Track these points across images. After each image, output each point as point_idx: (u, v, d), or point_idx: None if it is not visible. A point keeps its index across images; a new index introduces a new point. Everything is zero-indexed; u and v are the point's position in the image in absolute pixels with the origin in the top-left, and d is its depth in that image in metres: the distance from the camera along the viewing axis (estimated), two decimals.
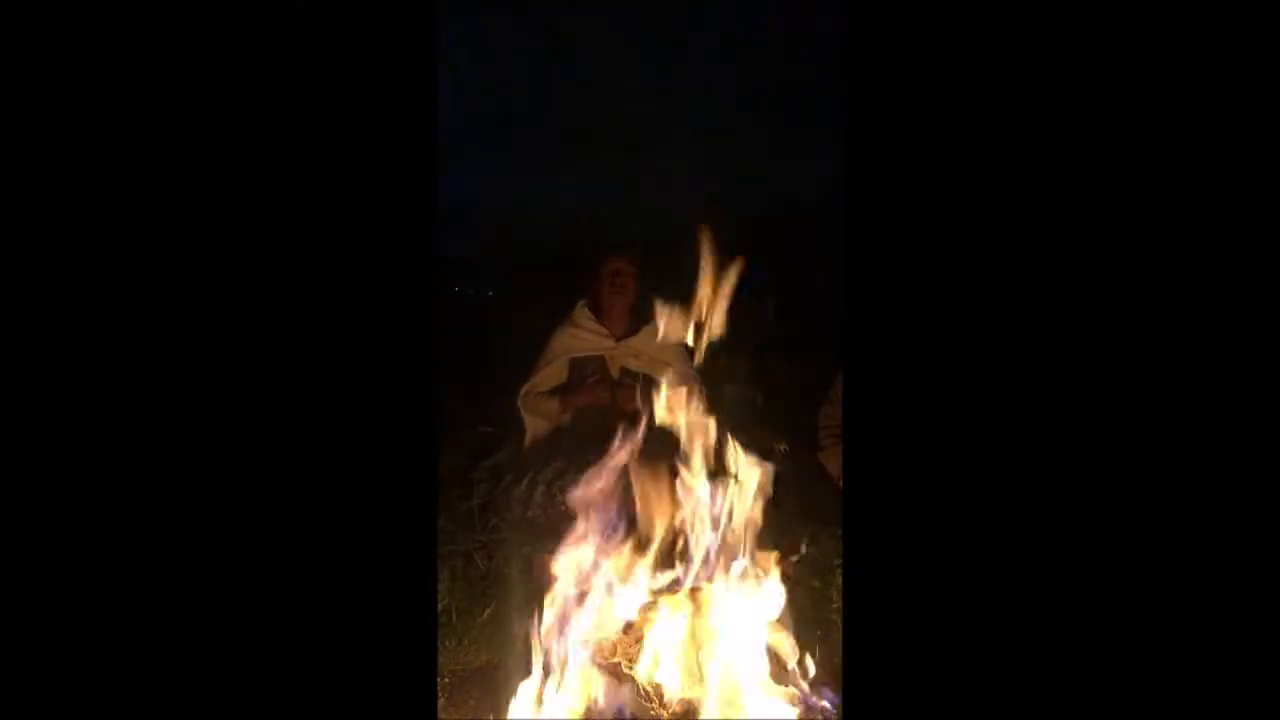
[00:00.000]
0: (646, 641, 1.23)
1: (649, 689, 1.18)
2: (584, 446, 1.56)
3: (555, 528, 1.39)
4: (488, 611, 1.77)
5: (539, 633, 1.25)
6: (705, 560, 1.25)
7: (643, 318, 2.08)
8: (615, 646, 1.23)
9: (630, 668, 1.20)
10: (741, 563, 1.25)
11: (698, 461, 1.26)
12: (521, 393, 2.05)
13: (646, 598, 1.24)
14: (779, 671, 1.25)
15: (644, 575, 1.26)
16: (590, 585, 1.26)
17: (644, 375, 2.00)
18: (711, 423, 1.29)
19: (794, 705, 1.20)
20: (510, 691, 1.28)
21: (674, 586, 1.24)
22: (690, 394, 1.30)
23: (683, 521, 1.26)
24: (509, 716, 1.26)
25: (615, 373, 2.09)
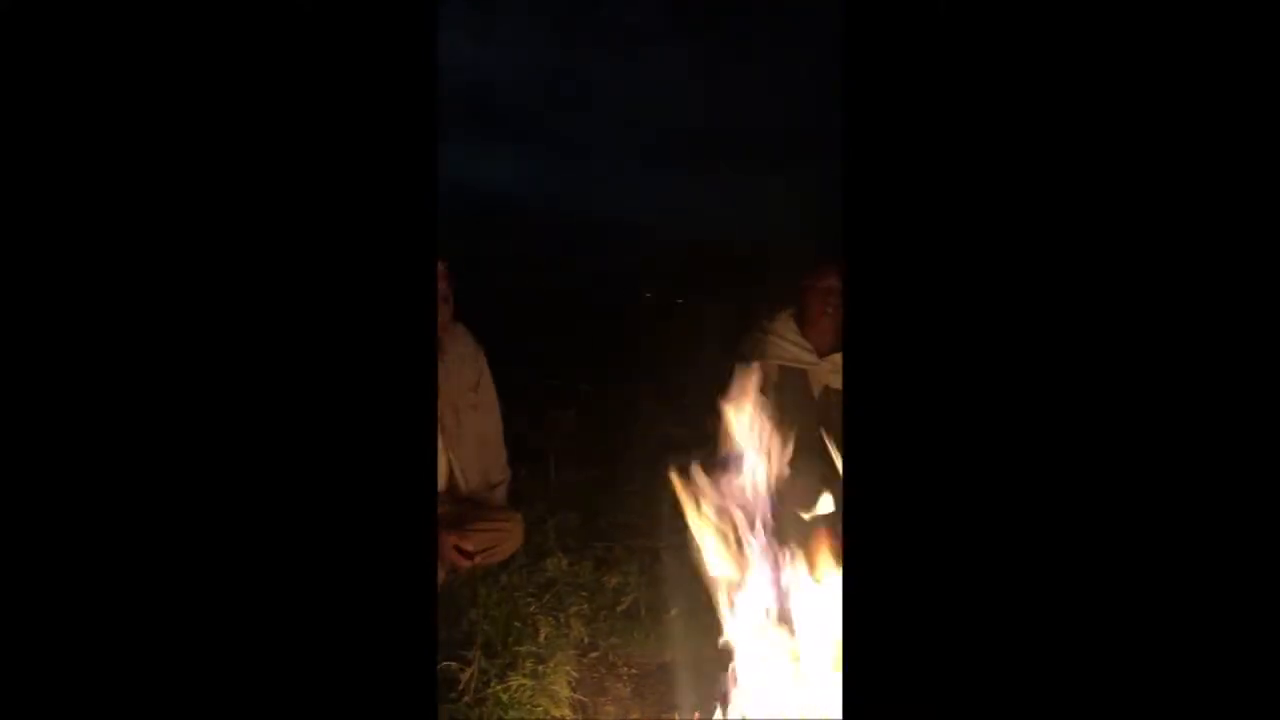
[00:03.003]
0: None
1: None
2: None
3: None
4: (675, 610, 1.79)
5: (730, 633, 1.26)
6: None
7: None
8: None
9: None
10: None
11: None
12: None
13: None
14: None
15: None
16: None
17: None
18: None
19: None
20: (695, 690, 1.29)
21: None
22: None
23: None
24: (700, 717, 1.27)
25: (816, 390, 2.03)
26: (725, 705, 1.24)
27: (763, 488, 1.40)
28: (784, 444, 1.45)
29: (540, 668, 1.55)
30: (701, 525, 1.37)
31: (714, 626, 1.28)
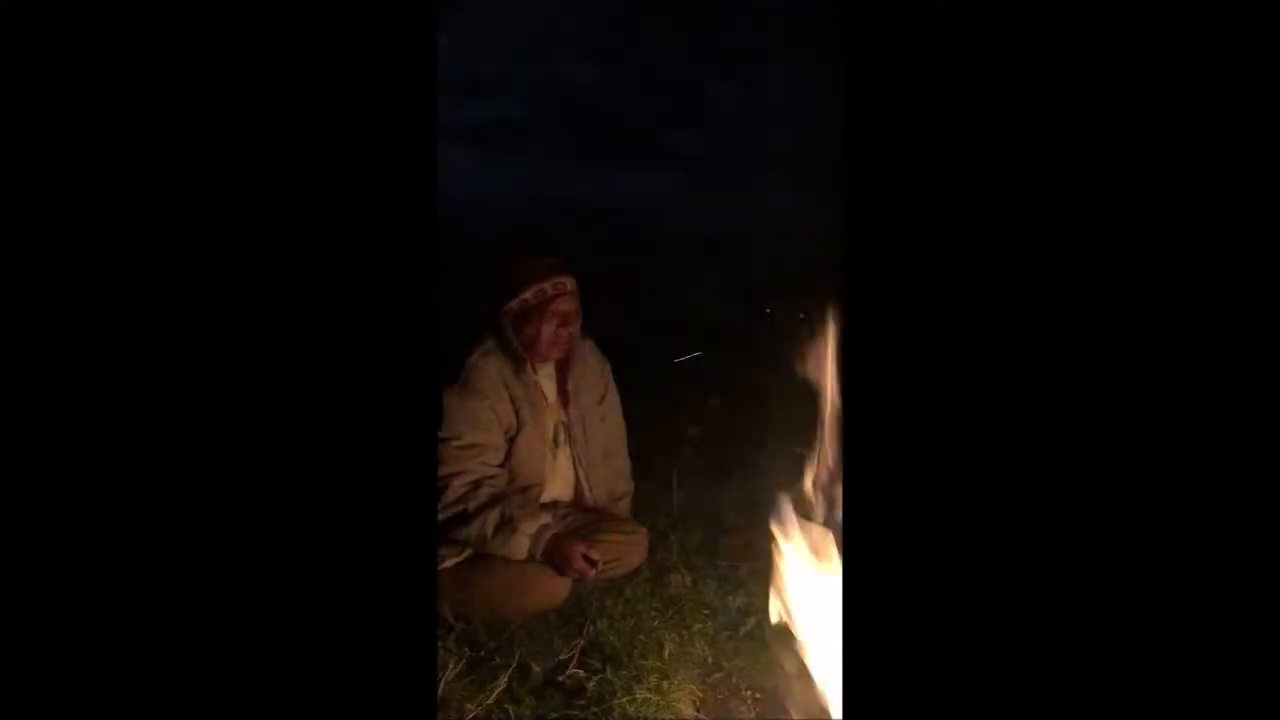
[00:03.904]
0: None
1: None
2: None
3: None
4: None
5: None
6: None
7: None
8: None
9: None
10: None
11: None
12: None
13: None
14: None
15: None
16: None
17: None
18: None
19: None
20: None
21: None
22: None
23: None
24: None
25: None
26: None
27: None
28: None
29: (665, 684, 1.54)
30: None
31: None
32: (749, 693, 1.62)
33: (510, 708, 1.46)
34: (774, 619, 1.46)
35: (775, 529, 1.43)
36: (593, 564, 1.81)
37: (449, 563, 1.83)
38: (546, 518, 1.88)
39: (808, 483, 1.52)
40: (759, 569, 2.09)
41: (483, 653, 1.63)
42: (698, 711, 1.52)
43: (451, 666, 1.49)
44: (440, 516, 1.83)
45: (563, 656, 1.60)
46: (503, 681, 1.49)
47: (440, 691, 1.44)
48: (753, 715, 1.56)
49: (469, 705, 1.45)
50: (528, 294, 1.96)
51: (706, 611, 1.85)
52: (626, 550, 1.98)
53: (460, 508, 1.83)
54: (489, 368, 1.95)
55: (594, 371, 2.16)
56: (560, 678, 1.55)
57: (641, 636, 1.70)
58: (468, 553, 1.85)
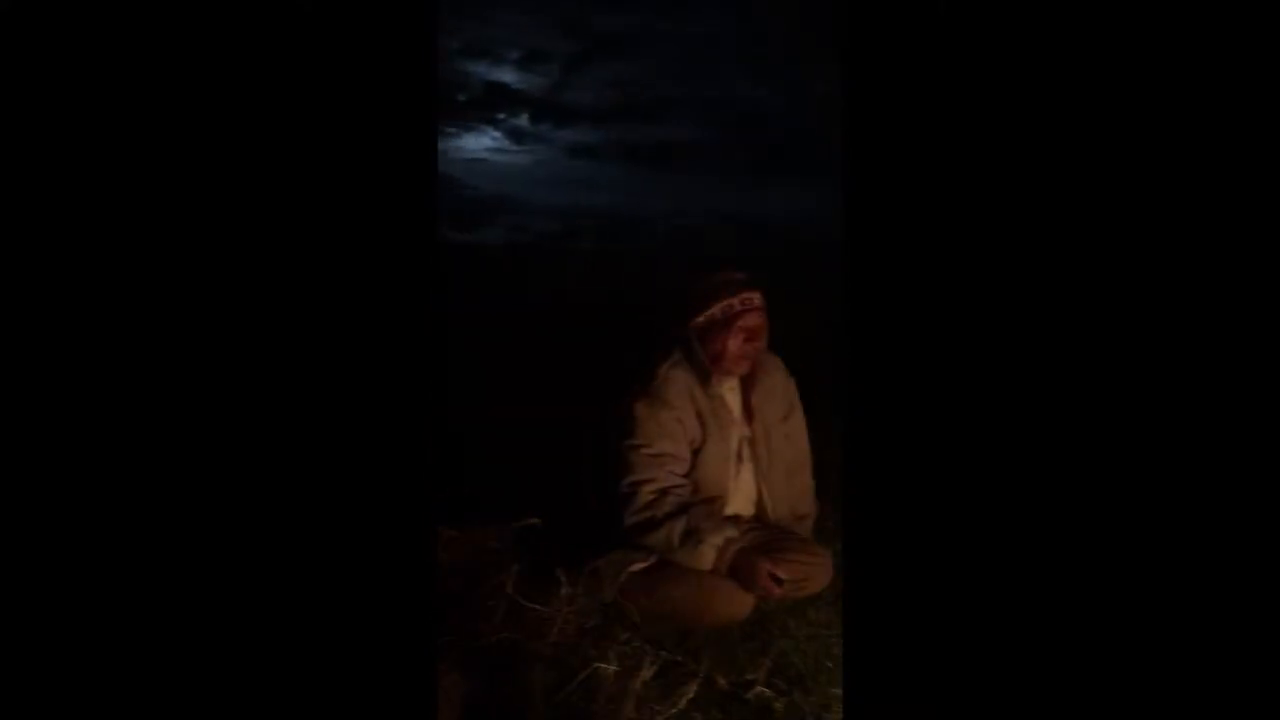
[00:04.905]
0: None
1: None
2: None
3: None
4: None
5: None
6: None
7: None
8: None
9: None
10: None
11: None
12: None
13: None
14: None
15: None
16: None
17: None
18: None
19: None
20: None
21: None
22: None
23: None
24: None
25: None
26: None
27: None
28: None
29: None
30: None
31: None
32: None
33: (698, 716, 1.47)
34: None
35: None
36: (779, 583, 1.79)
37: (636, 567, 1.88)
38: (733, 531, 1.88)
39: None
40: None
41: (675, 659, 1.66)
42: None
43: (647, 667, 1.53)
44: (628, 522, 1.88)
45: (749, 675, 1.59)
46: (692, 689, 1.50)
47: (634, 689, 1.48)
48: None
49: (658, 707, 1.47)
50: (715, 309, 1.99)
51: None
52: (812, 572, 1.94)
53: (648, 514, 1.87)
54: (678, 380, 1.99)
55: (780, 388, 2.14)
56: (747, 695, 1.54)
57: (828, 663, 1.65)
58: (653, 559, 1.89)
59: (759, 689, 1.53)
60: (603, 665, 1.53)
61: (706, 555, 1.83)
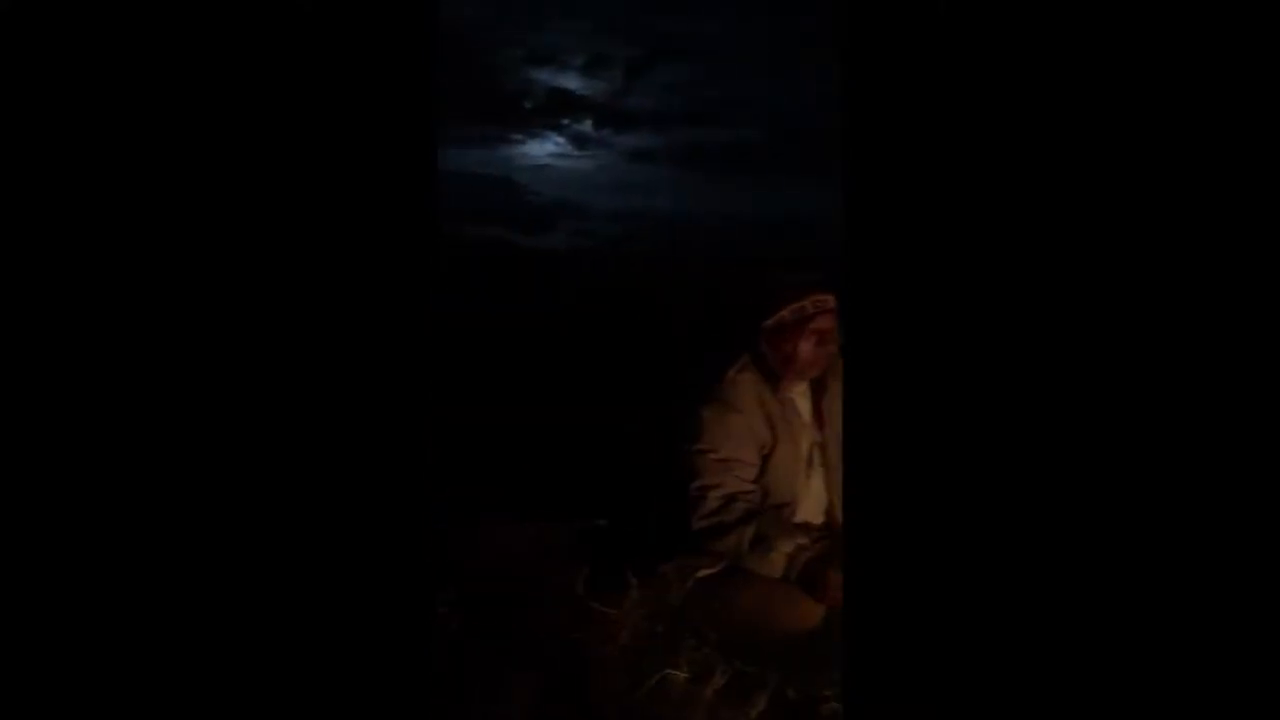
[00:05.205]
0: None
1: None
2: None
3: None
4: None
5: None
6: None
7: None
8: None
9: None
10: None
11: None
12: None
13: None
14: None
15: None
16: None
17: None
18: None
19: None
20: None
21: None
22: None
23: None
24: None
25: None
26: None
27: None
28: None
29: None
30: None
31: None
32: None
33: None
34: None
35: None
36: None
37: (704, 573, 1.86)
38: (803, 539, 1.84)
39: None
40: None
41: (745, 669, 1.63)
42: None
43: (718, 676, 1.51)
44: (695, 526, 1.86)
45: (825, 690, 1.55)
46: (762, 702, 1.47)
47: (706, 697, 1.46)
48: None
49: (727, 716, 1.45)
50: (785, 311, 1.95)
51: None
52: None
53: (717, 520, 1.85)
54: (746, 383, 1.96)
55: None
56: (821, 709, 1.50)
57: None
58: (722, 564, 1.86)
59: (833, 705, 1.49)
60: (674, 672, 1.51)
61: (777, 563, 1.79)
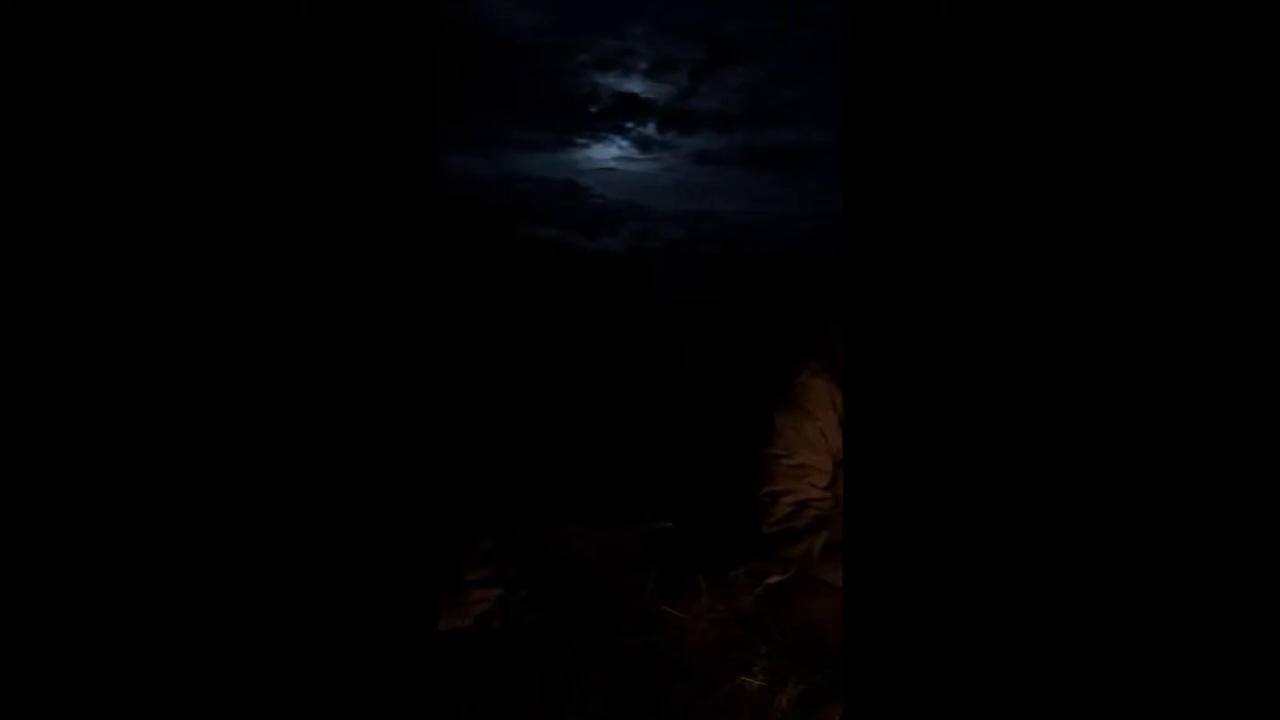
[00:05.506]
0: None
1: None
2: None
3: None
4: None
5: None
6: None
7: None
8: None
9: None
10: None
11: None
12: None
13: None
14: None
15: None
16: None
17: None
18: None
19: None
20: None
21: None
22: None
23: None
24: None
25: None
26: None
27: None
28: None
29: None
30: None
31: None
32: None
33: None
34: None
35: None
36: None
37: (774, 579, 1.84)
38: None
39: None
40: None
41: (817, 679, 1.60)
42: None
43: (792, 686, 1.49)
44: (765, 532, 1.84)
45: None
46: (836, 716, 1.45)
47: (780, 707, 1.44)
48: None
49: None
50: None
51: None
52: None
53: (788, 525, 1.83)
54: (819, 389, 1.93)
55: None
56: None
57: None
58: (792, 571, 1.84)
59: None
60: (748, 679, 1.50)
61: None
